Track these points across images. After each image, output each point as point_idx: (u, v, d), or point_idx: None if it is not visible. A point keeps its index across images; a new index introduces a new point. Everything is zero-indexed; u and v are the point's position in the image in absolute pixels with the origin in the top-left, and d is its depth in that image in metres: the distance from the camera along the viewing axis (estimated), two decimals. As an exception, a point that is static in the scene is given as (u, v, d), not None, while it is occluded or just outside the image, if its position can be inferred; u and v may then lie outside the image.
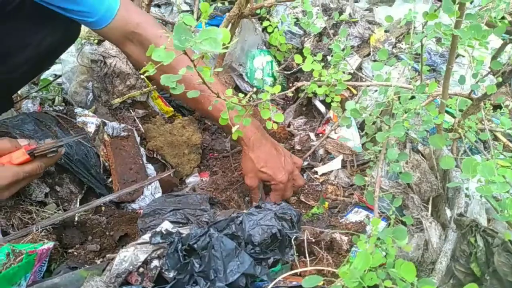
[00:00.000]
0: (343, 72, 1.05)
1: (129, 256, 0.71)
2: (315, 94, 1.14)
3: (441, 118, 0.92)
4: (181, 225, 0.80)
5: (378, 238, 0.61)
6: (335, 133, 1.42)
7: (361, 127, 1.43)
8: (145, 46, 1.06)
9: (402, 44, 1.60)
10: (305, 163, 1.37)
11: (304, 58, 1.05)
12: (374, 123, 1.11)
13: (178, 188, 1.35)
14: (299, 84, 1.08)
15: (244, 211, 0.82)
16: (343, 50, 1.08)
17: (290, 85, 1.66)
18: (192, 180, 1.39)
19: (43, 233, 0.93)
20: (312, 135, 1.48)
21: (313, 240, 0.86)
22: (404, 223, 0.75)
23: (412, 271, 0.52)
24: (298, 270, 0.71)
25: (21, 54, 1.07)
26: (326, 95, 1.11)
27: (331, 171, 1.31)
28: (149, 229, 0.80)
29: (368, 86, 1.10)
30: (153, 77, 1.12)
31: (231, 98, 0.89)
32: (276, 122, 0.95)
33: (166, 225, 0.76)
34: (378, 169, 0.75)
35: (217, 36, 0.57)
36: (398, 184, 0.99)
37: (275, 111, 0.98)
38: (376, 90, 1.44)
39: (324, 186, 1.25)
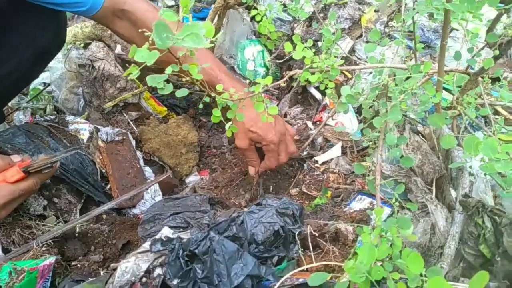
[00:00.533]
0: (336, 57, 1.02)
1: (130, 266, 0.69)
2: (308, 81, 1.12)
3: (438, 96, 0.90)
4: (181, 229, 0.78)
5: (383, 229, 0.60)
6: (333, 119, 1.39)
7: (358, 111, 1.40)
8: (133, 22, 1.10)
9: (394, 22, 1.56)
10: (304, 152, 1.35)
11: (294, 45, 1.03)
12: (371, 106, 1.09)
13: (178, 189, 1.33)
14: (291, 73, 1.05)
15: (245, 209, 0.80)
16: (333, 34, 1.05)
17: (284, 73, 1.63)
18: (192, 179, 1.37)
19: (44, 248, 0.91)
20: (309, 124, 1.45)
21: (317, 234, 0.84)
22: (409, 210, 0.74)
23: (419, 262, 0.50)
24: (305, 267, 0.70)
25: (9, 63, 1.06)
26: (320, 82, 1.08)
27: (332, 159, 1.28)
28: (150, 236, 0.78)
29: (361, 69, 1.07)
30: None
31: (224, 94, 0.87)
32: (270, 115, 0.94)
33: (166, 231, 0.75)
34: (378, 156, 0.73)
35: (200, 31, 0.55)
36: (400, 168, 0.97)
37: (270, 104, 0.96)
38: (371, 72, 1.41)
39: (325, 175, 1.23)
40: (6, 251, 0.95)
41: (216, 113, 0.82)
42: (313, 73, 1.02)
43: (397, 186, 0.69)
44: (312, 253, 0.76)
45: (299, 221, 0.81)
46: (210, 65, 1.08)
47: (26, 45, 1.07)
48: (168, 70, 0.75)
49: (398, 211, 0.64)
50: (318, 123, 1.46)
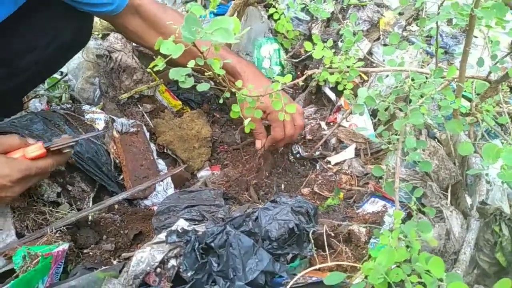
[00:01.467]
0: (355, 58, 1.02)
1: (145, 256, 0.69)
2: (325, 81, 1.12)
3: (458, 102, 0.90)
4: (196, 222, 0.79)
5: (401, 232, 0.59)
6: (347, 121, 1.39)
7: (373, 114, 1.40)
8: (145, 18, 1.13)
9: (412, 26, 1.56)
10: (317, 152, 1.35)
11: (314, 45, 1.03)
12: (386, 109, 1.09)
13: (190, 183, 1.33)
14: (309, 72, 1.05)
15: (260, 206, 0.81)
16: (354, 35, 1.05)
17: (299, 73, 1.63)
18: (204, 174, 1.37)
19: (57, 234, 0.92)
20: (323, 124, 1.45)
21: (332, 234, 0.84)
22: (424, 214, 0.73)
23: (441, 265, 0.50)
24: (318, 266, 0.70)
25: (29, 56, 1.07)
26: (337, 83, 1.08)
27: (344, 161, 1.28)
28: (164, 228, 0.79)
29: (381, 71, 1.06)
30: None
31: (242, 90, 0.88)
32: (288, 113, 0.94)
33: (181, 223, 0.75)
34: (397, 159, 0.72)
35: (229, 26, 0.55)
36: (415, 173, 0.96)
37: (287, 101, 0.96)
38: (387, 76, 1.40)
39: (338, 176, 1.23)
40: (20, 235, 0.96)
41: (236, 108, 0.83)
42: (331, 73, 1.02)
43: (416, 190, 0.69)
44: (326, 253, 0.76)
45: (313, 220, 0.81)
46: (232, 60, 1.10)
47: (49, 40, 1.08)
48: (191, 63, 0.76)
49: (416, 214, 0.63)
50: (332, 123, 1.45)
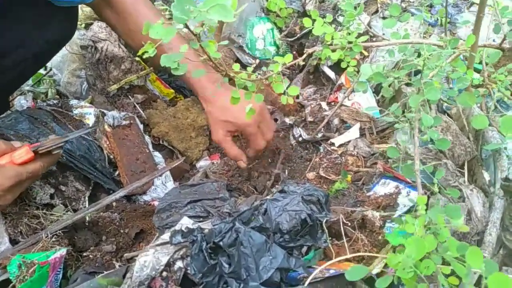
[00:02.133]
0: (357, 33, 0.95)
1: (149, 260, 0.64)
2: (322, 59, 1.05)
3: (470, 73, 0.84)
4: (201, 219, 0.73)
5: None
6: (349, 99, 1.33)
7: (375, 91, 1.34)
8: (117, 11, 1.09)
9: (411, -4, 1.49)
10: (319, 134, 1.29)
11: (313, 21, 0.96)
12: (390, 85, 1.03)
13: (189, 174, 1.28)
14: (310, 50, 0.99)
15: (268, 197, 0.75)
16: (354, 8, 0.98)
17: (294, 52, 1.56)
18: (203, 164, 1.31)
19: (54, 239, 0.87)
20: (324, 104, 1.39)
21: (345, 221, 0.79)
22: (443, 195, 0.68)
23: (479, 256, 0.45)
24: (338, 259, 0.65)
25: (15, 54, 1.00)
26: (340, 60, 1.02)
27: (349, 141, 1.23)
28: (167, 227, 0.73)
29: (386, 45, 1.00)
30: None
31: (240, 74, 0.81)
32: (291, 96, 0.88)
33: (185, 222, 0.70)
34: (416, 138, 0.67)
35: (226, 2, 0.49)
36: (428, 150, 0.91)
37: (288, 84, 0.90)
38: (387, 51, 1.34)
39: (343, 158, 1.18)
40: (14, 242, 0.91)
41: (235, 94, 0.77)
42: (333, 50, 0.96)
43: (437, 171, 0.64)
44: (344, 240, 0.71)
45: (325, 208, 0.76)
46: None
47: (35, 37, 1.01)
48: (183, 48, 0.69)
49: (440, 199, 0.58)
50: (333, 103, 1.40)
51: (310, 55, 1.06)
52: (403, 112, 0.88)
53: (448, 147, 0.71)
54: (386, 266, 0.75)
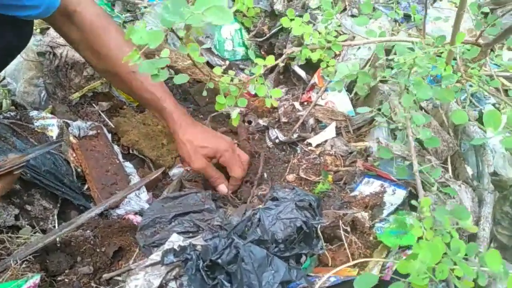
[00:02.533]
0: (336, 32, 0.94)
1: (140, 284, 0.59)
2: (302, 59, 1.03)
3: (448, 69, 0.85)
4: (191, 234, 0.69)
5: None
6: (322, 99, 1.32)
7: (348, 89, 1.34)
8: (81, 25, 1.01)
9: (376, -6, 1.50)
10: (295, 135, 1.27)
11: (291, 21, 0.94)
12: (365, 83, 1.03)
13: (162, 183, 1.22)
14: (289, 50, 0.96)
15: (259, 206, 0.72)
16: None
17: (263, 53, 1.54)
18: (176, 171, 1.25)
19: (24, 265, 0.79)
20: (297, 105, 1.37)
21: (337, 225, 0.78)
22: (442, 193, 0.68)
23: (498, 258, 0.44)
24: (342, 267, 0.63)
25: None
26: (319, 60, 1.00)
27: (326, 141, 1.22)
28: (154, 245, 0.68)
29: (365, 43, 1.00)
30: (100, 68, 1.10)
31: (222, 77, 0.77)
32: (274, 98, 0.85)
33: (175, 239, 0.65)
34: (410, 138, 0.66)
35: (224, 3, 0.45)
36: (408, 147, 0.91)
37: (269, 86, 0.88)
38: (359, 48, 1.35)
39: (322, 158, 1.17)
40: (-24, 271, 0.82)
41: (221, 100, 0.73)
42: (313, 50, 0.94)
43: (435, 170, 0.63)
44: (346, 248, 0.69)
45: (317, 213, 0.74)
46: (169, 106, 1.07)
47: None
48: (165, 53, 0.65)
49: (442, 199, 0.58)
50: (306, 103, 1.38)
51: (289, 55, 1.03)
52: (379, 109, 0.88)
53: (438, 145, 0.71)
54: (382, 268, 0.74)
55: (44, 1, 0.90)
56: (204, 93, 0.73)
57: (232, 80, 0.79)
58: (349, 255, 0.71)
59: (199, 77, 1.32)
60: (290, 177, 1.15)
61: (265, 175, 1.18)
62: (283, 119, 1.34)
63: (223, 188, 1.04)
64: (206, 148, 1.04)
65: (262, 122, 1.35)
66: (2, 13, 0.85)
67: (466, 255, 0.53)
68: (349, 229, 0.77)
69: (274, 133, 1.29)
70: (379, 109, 0.79)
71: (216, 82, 0.73)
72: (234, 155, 1.06)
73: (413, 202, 0.60)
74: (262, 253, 0.58)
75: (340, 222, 0.74)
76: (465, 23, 1.45)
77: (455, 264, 0.51)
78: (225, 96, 0.78)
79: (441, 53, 0.91)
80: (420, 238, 0.54)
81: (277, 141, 1.27)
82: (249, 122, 1.34)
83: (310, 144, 1.24)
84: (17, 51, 1.03)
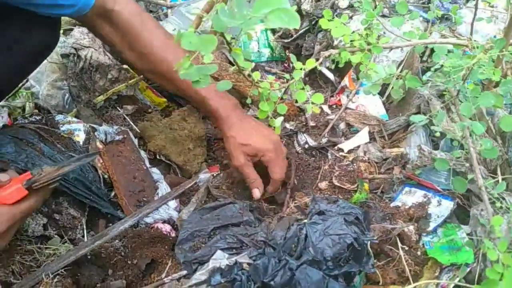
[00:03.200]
0: (377, 33, 0.90)
1: (186, 305, 0.56)
2: (341, 62, 0.99)
3: (497, 73, 0.80)
4: (234, 250, 0.65)
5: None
6: (353, 102, 1.28)
7: (380, 92, 1.29)
8: (116, 24, 0.98)
9: (407, -7, 1.45)
10: (324, 140, 1.23)
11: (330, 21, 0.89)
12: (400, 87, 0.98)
13: (188, 189, 1.18)
14: (326, 53, 0.92)
15: (305, 220, 0.68)
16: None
17: (289, 54, 1.49)
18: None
19: (56, 279, 0.76)
20: (325, 108, 1.33)
21: (384, 239, 0.73)
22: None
23: None
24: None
25: None
26: (349, 62, 0.96)
27: (359, 146, 1.17)
28: (197, 263, 0.65)
29: (407, 45, 0.95)
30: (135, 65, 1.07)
31: (262, 83, 0.74)
32: (315, 104, 0.81)
33: (219, 256, 0.61)
34: (472, 150, 0.61)
35: (287, 5, 0.41)
36: (466, 158, 0.86)
37: (310, 91, 0.84)
38: (391, 49, 1.30)
39: (355, 164, 1.12)
40: (6, 284, 0.79)
41: (264, 107, 0.69)
42: (352, 53, 0.90)
43: (499, 184, 0.59)
44: (405, 267, 0.65)
45: (365, 228, 0.70)
46: (213, 102, 1.03)
47: (10, 51, 0.88)
48: (208, 58, 0.61)
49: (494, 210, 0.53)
50: (334, 106, 1.34)
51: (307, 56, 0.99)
52: (417, 113, 0.83)
53: (495, 155, 0.66)
54: (437, 286, 0.69)
55: (80, 0, 0.87)
56: (249, 100, 0.70)
57: (272, 85, 0.75)
58: (403, 271, 0.66)
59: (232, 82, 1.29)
60: (323, 184, 1.11)
61: (301, 183, 1.14)
62: (311, 123, 1.30)
63: (256, 192, 1.00)
64: (247, 146, 1.01)
65: (289, 126, 1.31)
66: (36, 12, 0.82)
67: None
68: (399, 244, 0.73)
69: (303, 137, 1.25)
70: (429, 116, 0.74)
71: (258, 88, 0.69)
72: (277, 157, 1.02)
73: (482, 221, 0.55)
74: (318, 276, 0.54)
75: (396, 237, 0.69)
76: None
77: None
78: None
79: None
80: (494, 261, 0.49)
81: (306, 146, 1.23)
82: (276, 126, 1.30)
83: (341, 150, 1.19)
84: (49, 51, 1.00)
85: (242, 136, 1.01)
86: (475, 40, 0.90)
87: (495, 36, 1.29)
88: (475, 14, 0.82)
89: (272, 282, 0.54)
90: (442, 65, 0.87)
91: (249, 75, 0.64)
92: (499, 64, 0.83)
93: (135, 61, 1.04)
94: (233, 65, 1.51)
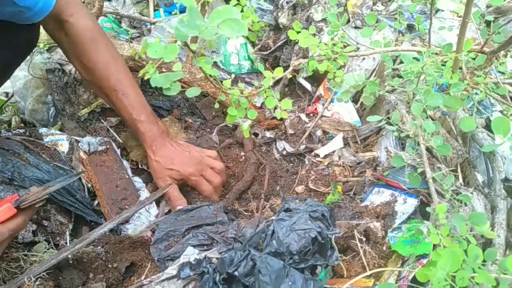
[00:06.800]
0: (342, 43, 0.95)
1: (158, 298, 0.59)
2: (309, 71, 1.04)
3: (455, 77, 0.85)
4: (205, 247, 0.69)
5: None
6: (328, 110, 1.33)
7: (353, 99, 1.35)
8: (72, 36, 1.03)
9: (378, 6, 1.52)
10: (302, 146, 1.28)
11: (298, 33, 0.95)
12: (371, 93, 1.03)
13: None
14: (296, 62, 0.97)
15: (273, 218, 0.72)
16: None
17: (268, 66, 1.55)
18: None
19: (38, 282, 0.79)
20: (303, 116, 1.38)
21: (347, 234, 0.77)
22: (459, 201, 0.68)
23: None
24: (358, 278, 0.62)
25: None
26: (325, 71, 1.01)
27: (334, 151, 1.22)
28: (169, 259, 0.68)
29: (371, 54, 1.01)
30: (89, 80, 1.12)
31: (233, 90, 0.78)
32: (285, 110, 0.86)
33: (190, 252, 0.65)
34: (422, 146, 0.66)
35: (238, 16, 0.46)
36: (419, 156, 0.91)
37: (279, 98, 0.88)
38: (363, 59, 1.36)
39: (330, 168, 1.17)
40: (-10, 291, 0.82)
41: (232, 112, 0.74)
42: (319, 61, 0.95)
43: (447, 177, 0.64)
44: (363, 259, 0.69)
45: (331, 224, 0.74)
46: (144, 125, 1.10)
47: None
48: (177, 67, 0.66)
49: (458, 207, 0.58)
50: (312, 115, 1.39)
51: (285, 68, 1.05)
52: (388, 118, 0.88)
53: (449, 152, 0.71)
54: (397, 277, 0.74)
55: (37, 4, 0.90)
56: (216, 105, 0.74)
57: (242, 92, 0.80)
58: (365, 265, 0.70)
59: (206, 90, 1.34)
60: (299, 188, 1.15)
61: (278, 187, 1.18)
62: (290, 131, 1.35)
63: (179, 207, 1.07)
64: (172, 171, 1.09)
65: (268, 134, 1.36)
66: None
67: (483, 262, 0.53)
68: (363, 239, 0.77)
69: (282, 145, 1.29)
70: (388, 118, 0.80)
71: (227, 95, 0.73)
72: (201, 178, 1.10)
73: (428, 209, 0.60)
74: (279, 265, 0.58)
75: (355, 232, 0.74)
76: (467, 33, 1.47)
77: (474, 271, 0.51)
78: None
79: (446, 62, 0.92)
80: (436, 245, 0.54)
81: (284, 152, 1.28)
82: (255, 134, 1.34)
83: (318, 155, 1.24)
84: (29, 50, 1.05)
85: (167, 162, 1.09)
86: (436, 47, 0.97)
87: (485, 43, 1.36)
88: (430, 24, 0.88)
89: (236, 272, 0.58)
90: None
91: (217, 82, 0.68)
92: (456, 68, 0.89)
93: (81, 71, 1.10)
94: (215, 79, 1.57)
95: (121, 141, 1.27)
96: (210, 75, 0.67)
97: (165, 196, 1.08)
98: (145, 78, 0.55)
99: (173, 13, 1.65)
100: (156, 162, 1.09)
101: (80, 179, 1.07)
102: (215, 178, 1.12)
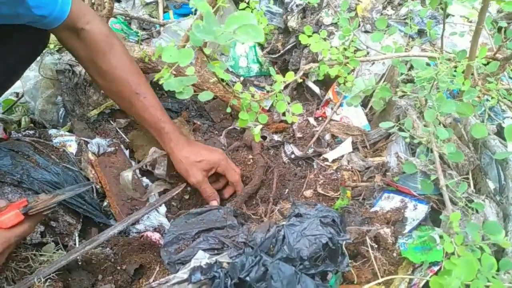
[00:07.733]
0: (353, 47, 0.95)
1: (168, 302, 0.59)
2: (320, 75, 1.04)
3: (467, 83, 0.85)
4: (215, 251, 0.69)
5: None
6: (337, 114, 1.33)
7: (363, 104, 1.35)
8: (88, 43, 1.03)
9: (388, 10, 1.52)
10: (311, 150, 1.28)
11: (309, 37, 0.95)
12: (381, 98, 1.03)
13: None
14: (306, 67, 0.97)
15: (283, 223, 0.72)
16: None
17: (277, 69, 1.55)
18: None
19: (47, 283, 0.79)
20: (311, 120, 1.38)
21: (358, 240, 0.77)
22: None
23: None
24: (370, 285, 0.62)
25: None
26: (335, 76, 1.01)
27: (342, 156, 1.22)
28: (180, 263, 0.68)
29: (383, 59, 1.00)
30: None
31: (244, 94, 0.78)
32: (295, 114, 0.86)
33: (201, 256, 0.65)
34: (435, 153, 0.66)
35: (254, 22, 0.46)
36: (431, 162, 0.91)
37: (290, 102, 0.88)
38: (373, 63, 1.35)
39: (339, 173, 1.17)
40: (0, 290, 0.82)
41: (244, 116, 0.73)
42: (331, 66, 0.95)
43: (460, 185, 0.63)
44: (371, 261, 0.69)
45: (342, 229, 0.74)
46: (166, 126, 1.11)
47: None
48: (190, 70, 0.66)
49: (469, 213, 0.57)
50: (320, 118, 1.39)
51: (294, 71, 1.04)
52: (400, 124, 0.88)
53: (461, 159, 0.71)
54: (408, 285, 0.73)
55: (52, 12, 0.91)
56: (228, 110, 0.74)
57: (253, 96, 0.80)
58: (377, 271, 0.70)
59: (215, 93, 1.34)
60: (308, 192, 1.15)
61: (286, 191, 1.18)
62: (298, 135, 1.34)
63: (215, 204, 1.08)
64: (202, 161, 1.10)
65: (276, 137, 1.36)
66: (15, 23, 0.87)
67: (497, 271, 0.52)
68: (374, 245, 0.77)
69: (290, 148, 1.29)
70: (401, 124, 0.79)
71: (239, 99, 0.73)
72: (228, 163, 1.14)
73: (441, 217, 0.59)
74: (290, 271, 0.58)
75: (367, 238, 0.73)
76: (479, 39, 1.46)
77: (488, 280, 0.51)
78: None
79: (456, 68, 0.92)
80: (448, 253, 0.53)
81: (292, 156, 1.27)
82: (264, 137, 1.34)
83: (326, 159, 1.24)
84: (36, 55, 1.07)
85: (195, 155, 1.10)
86: (449, 53, 0.96)
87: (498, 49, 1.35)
88: (443, 29, 0.88)
89: (247, 278, 0.58)
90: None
91: (229, 86, 0.69)
92: (468, 74, 0.88)
93: (95, 77, 1.10)
94: (223, 80, 1.58)
95: (128, 140, 1.27)
96: (223, 80, 0.67)
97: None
98: (160, 82, 0.55)
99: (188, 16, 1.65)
100: (186, 158, 1.10)
101: (88, 180, 1.08)
102: (237, 168, 1.17)
